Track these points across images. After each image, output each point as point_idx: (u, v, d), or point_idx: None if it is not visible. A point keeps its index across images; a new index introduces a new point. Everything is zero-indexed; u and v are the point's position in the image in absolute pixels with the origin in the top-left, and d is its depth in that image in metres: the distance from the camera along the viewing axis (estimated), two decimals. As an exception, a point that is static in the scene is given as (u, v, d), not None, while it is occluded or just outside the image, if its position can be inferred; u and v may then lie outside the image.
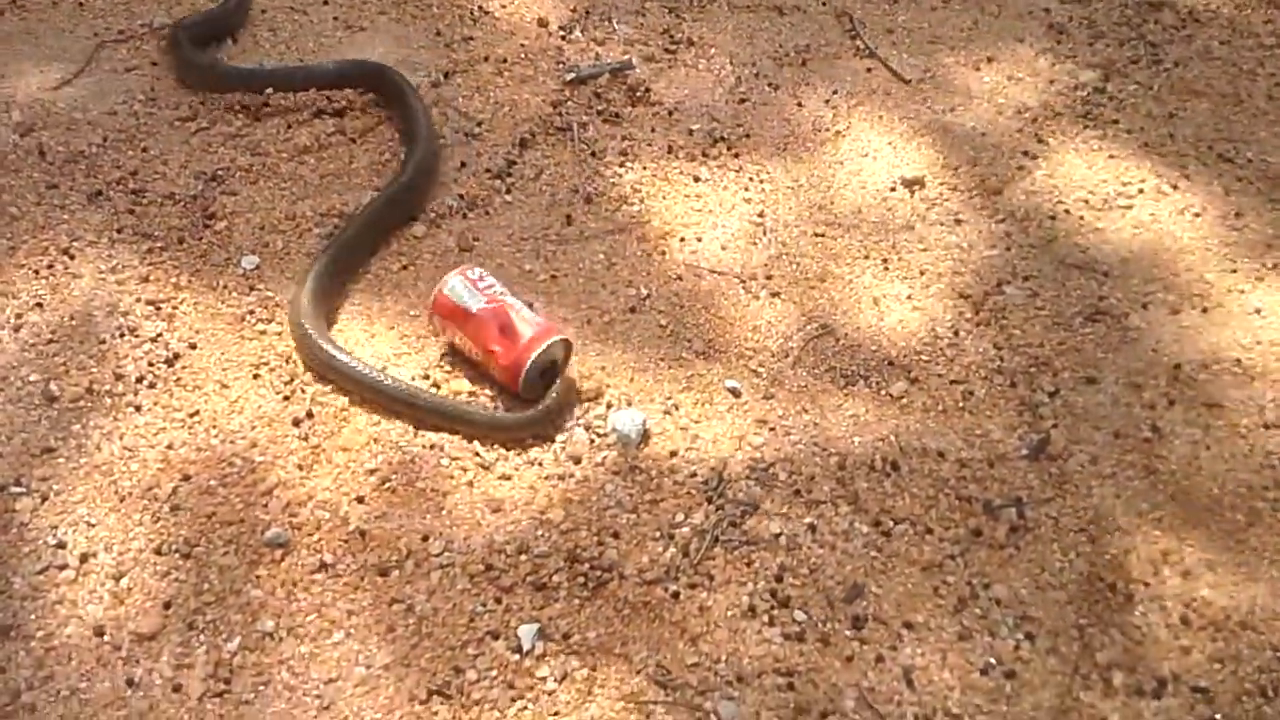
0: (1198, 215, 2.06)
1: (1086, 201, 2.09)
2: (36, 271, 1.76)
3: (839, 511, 1.56)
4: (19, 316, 1.69)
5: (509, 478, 1.56)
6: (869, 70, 2.38)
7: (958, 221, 2.04)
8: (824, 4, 2.57)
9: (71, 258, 1.78)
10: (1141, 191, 2.11)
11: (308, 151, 2.04)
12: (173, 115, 2.08)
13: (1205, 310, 1.88)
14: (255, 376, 1.65)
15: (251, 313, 1.74)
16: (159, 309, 1.72)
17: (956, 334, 1.83)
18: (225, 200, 1.91)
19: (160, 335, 1.68)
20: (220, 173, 1.96)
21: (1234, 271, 1.95)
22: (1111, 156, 2.20)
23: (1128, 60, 2.45)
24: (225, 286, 1.78)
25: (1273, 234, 2.02)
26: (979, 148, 2.19)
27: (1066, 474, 1.63)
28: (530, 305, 1.72)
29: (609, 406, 1.66)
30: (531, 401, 1.62)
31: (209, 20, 2.26)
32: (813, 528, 1.54)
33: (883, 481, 1.61)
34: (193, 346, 1.67)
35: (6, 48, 2.19)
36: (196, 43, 2.17)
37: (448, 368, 1.69)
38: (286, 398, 1.62)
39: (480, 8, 2.44)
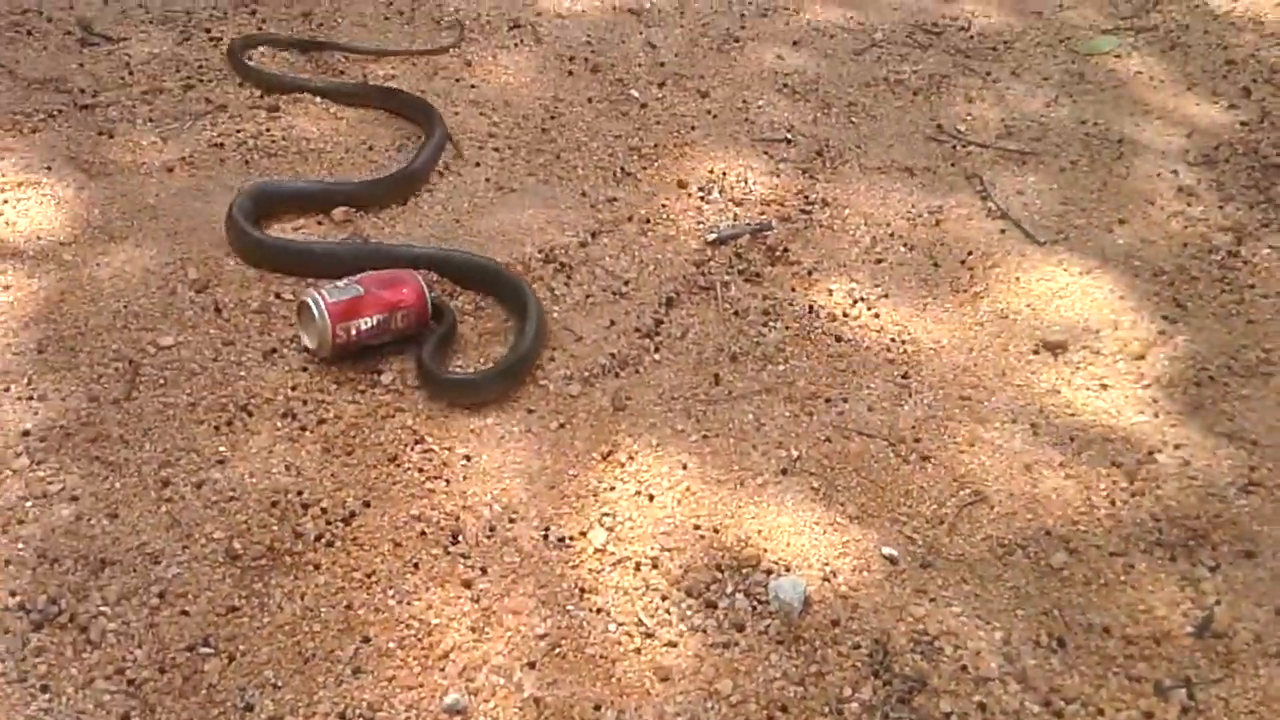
0: (1345, 383, 2.05)
1: (1229, 368, 2.09)
2: (216, 428, 1.84)
3: (1008, 690, 1.55)
4: (200, 472, 1.76)
5: (674, 644, 1.58)
6: (1002, 232, 2.43)
7: (1103, 387, 2.05)
8: (953, 165, 2.63)
9: (250, 415, 1.86)
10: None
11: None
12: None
13: (1360, 483, 1.86)
14: (422, 534, 1.70)
15: (421, 469, 1.80)
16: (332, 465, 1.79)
17: (1113, 503, 1.83)
18: (392, 359, 1.99)
19: (339, 491, 1.74)
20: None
21: (1387, 442, 1.93)
22: (1250, 321, 2.21)
23: (1259, 224, 2.47)
24: (394, 440, 1.84)
25: None
26: (1118, 311, 2.21)
27: (1233, 652, 1.61)
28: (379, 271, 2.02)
29: (768, 573, 1.68)
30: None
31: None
32: (983, 706, 1.53)
33: (1049, 658, 1.59)
34: (366, 504, 1.73)
35: (179, 204, 2.32)
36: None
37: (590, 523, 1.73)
38: (460, 556, 1.66)
39: (623, 169, 2.54)
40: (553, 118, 2.70)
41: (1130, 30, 3.16)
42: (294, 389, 1.92)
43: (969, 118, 2.82)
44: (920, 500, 1.82)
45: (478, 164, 2.53)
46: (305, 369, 1.95)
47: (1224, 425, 1.98)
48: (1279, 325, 2.18)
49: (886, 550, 1.73)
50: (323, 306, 1.92)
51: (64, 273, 2.11)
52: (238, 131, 2.54)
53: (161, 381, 1.91)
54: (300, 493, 1.74)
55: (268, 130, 2.56)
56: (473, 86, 2.80)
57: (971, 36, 3.16)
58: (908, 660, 1.57)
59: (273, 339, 2.01)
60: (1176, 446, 1.93)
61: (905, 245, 2.38)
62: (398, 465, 1.81)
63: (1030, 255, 2.36)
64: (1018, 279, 2.29)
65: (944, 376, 2.06)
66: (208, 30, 2.89)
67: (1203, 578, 1.71)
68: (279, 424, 1.85)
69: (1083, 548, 1.75)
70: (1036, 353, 2.12)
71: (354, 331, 1.94)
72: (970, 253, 2.36)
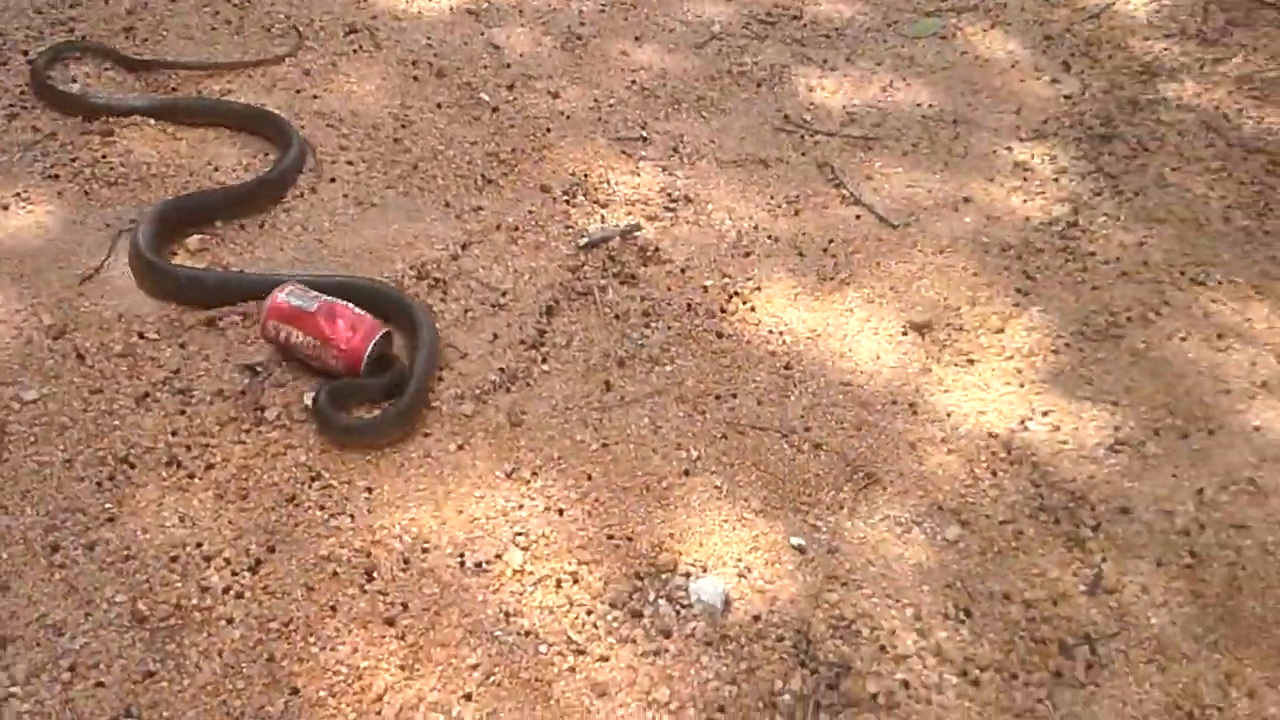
0: (1184, 339, 2.21)
1: (1082, 334, 2.23)
2: (99, 484, 1.75)
3: (926, 664, 1.63)
4: (89, 532, 1.68)
5: (606, 659, 1.59)
6: (858, 217, 2.52)
7: (970, 362, 2.15)
8: (804, 155, 2.71)
9: (132, 466, 1.78)
10: (1129, 320, 2.26)
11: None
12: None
13: (1211, 433, 2.02)
14: (335, 575, 1.66)
15: (322, 507, 1.75)
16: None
17: (994, 474, 1.93)
18: (274, 393, 1.93)
19: (239, 539, 1.68)
20: (261, 365, 1.98)
21: (1228, 392, 2.10)
22: (1095, 288, 2.35)
23: (1091, 193, 2.63)
24: (289, 479, 1.79)
25: (1255, 353, 2.18)
26: (974, 288, 2.33)
27: (1124, 606, 1.73)
28: (352, 307, 1.96)
29: (687, 576, 1.71)
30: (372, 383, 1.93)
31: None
32: (905, 684, 1.60)
33: (959, 629, 1.68)
34: (271, 550, 1.68)
35: (19, 244, 2.19)
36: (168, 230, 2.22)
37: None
38: (378, 594, 1.63)
39: (484, 176, 2.52)
40: (404, 126, 2.65)
41: (952, 11, 3.30)
42: (174, 434, 1.84)
43: (812, 106, 2.90)
44: (818, 488, 1.88)
45: (333, 180, 2.46)
46: (183, 412, 1.88)
47: (1085, 389, 2.11)
48: (1121, 289, 2.33)
49: (795, 540, 1.78)
50: (275, 300, 1.95)
51: (-100, 329, 1.97)
52: (72, 161, 2.40)
53: (32, 439, 1.80)
54: (199, 544, 1.67)
55: (104, 157, 2.43)
56: (315, 97, 2.72)
57: (805, 25, 3.24)
58: (830, 647, 1.63)
59: (143, 383, 1.92)
60: (1045, 414, 2.05)
61: (770, 237, 2.44)
62: (297, 505, 1.76)
63: (886, 239, 2.45)
64: (878, 263, 2.38)
65: (824, 364, 2.13)
66: (24, 52, 2.71)
67: (1087, 538, 1.83)
68: (164, 473, 1.78)
69: (973, 519, 1.85)
70: (905, 334, 2.21)
71: (283, 336, 1.96)
72: (831, 240, 2.43)
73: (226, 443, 1.84)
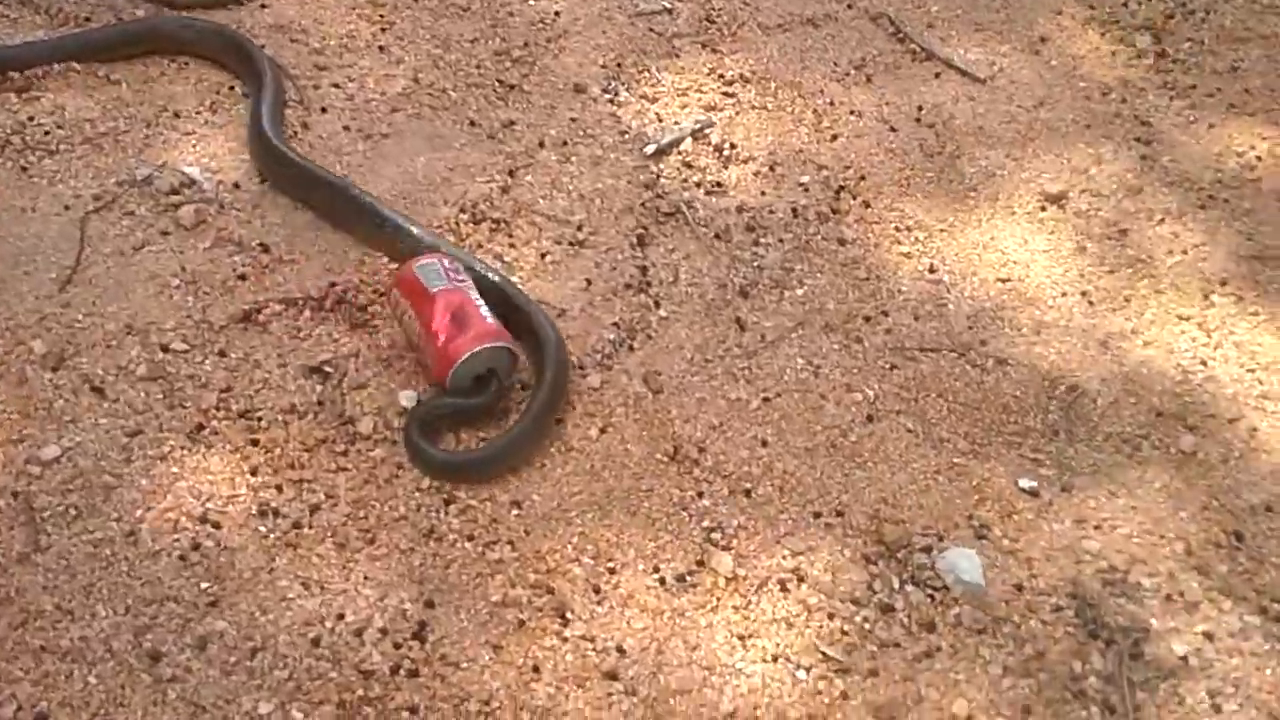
0: (1331, 172, 1.99)
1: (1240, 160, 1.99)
2: (182, 558, 1.37)
3: (1221, 609, 1.40)
4: (190, 626, 1.31)
5: (876, 673, 1.31)
6: (937, 76, 2.20)
7: (1122, 232, 1.89)
8: (850, 8, 2.36)
9: (217, 526, 1.40)
10: (1253, 148, 2.03)
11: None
12: (230, 302, 1.67)
13: None
14: (522, 625, 1.34)
15: (470, 537, 1.41)
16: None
17: (1204, 364, 1.69)
18: (358, 398, 1.55)
19: (384, 598, 1.34)
20: (329, 364, 1.59)
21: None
22: (1211, 125, 2.11)
23: (1163, 16, 2.35)
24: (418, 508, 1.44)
25: None
26: (1092, 142, 2.05)
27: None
28: (483, 305, 1.56)
29: (927, 551, 1.43)
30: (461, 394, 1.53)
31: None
32: (1209, 636, 1.37)
33: (1237, 557, 1.45)
34: (430, 605, 1.34)
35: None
36: None
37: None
38: (582, 640, 1.31)
39: (501, 81, 2.11)
40: (383, 30, 2.20)
41: None
42: (254, 474, 1.46)
43: (834, -53, 2.53)
44: (1021, 413, 1.62)
45: (324, 109, 2.02)
46: (255, 442, 1.49)
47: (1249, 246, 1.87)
48: (1236, 124, 2.09)
49: (1023, 483, 1.52)
50: (407, 268, 1.59)
51: None
52: (-9, 129, 1.91)
53: (73, 512, 1.40)
54: (340, 616, 1.32)
55: (32, 119, 1.93)
56: (264, 7, 2.23)
57: None
58: (1114, 607, 1.39)
59: (191, 411, 1.52)
60: (1222, 283, 1.81)
61: (851, 112, 2.10)
62: (439, 540, 1.41)
63: (979, 96, 2.15)
64: (980, 128, 2.08)
65: (970, 260, 1.84)
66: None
67: (1325, 420, 1.61)
68: (261, 529, 1.40)
69: (1201, 422, 1.61)
70: (1044, 208, 1.93)
71: (401, 312, 1.59)
72: (920, 107, 2.12)
73: (324, 473, 1.47)
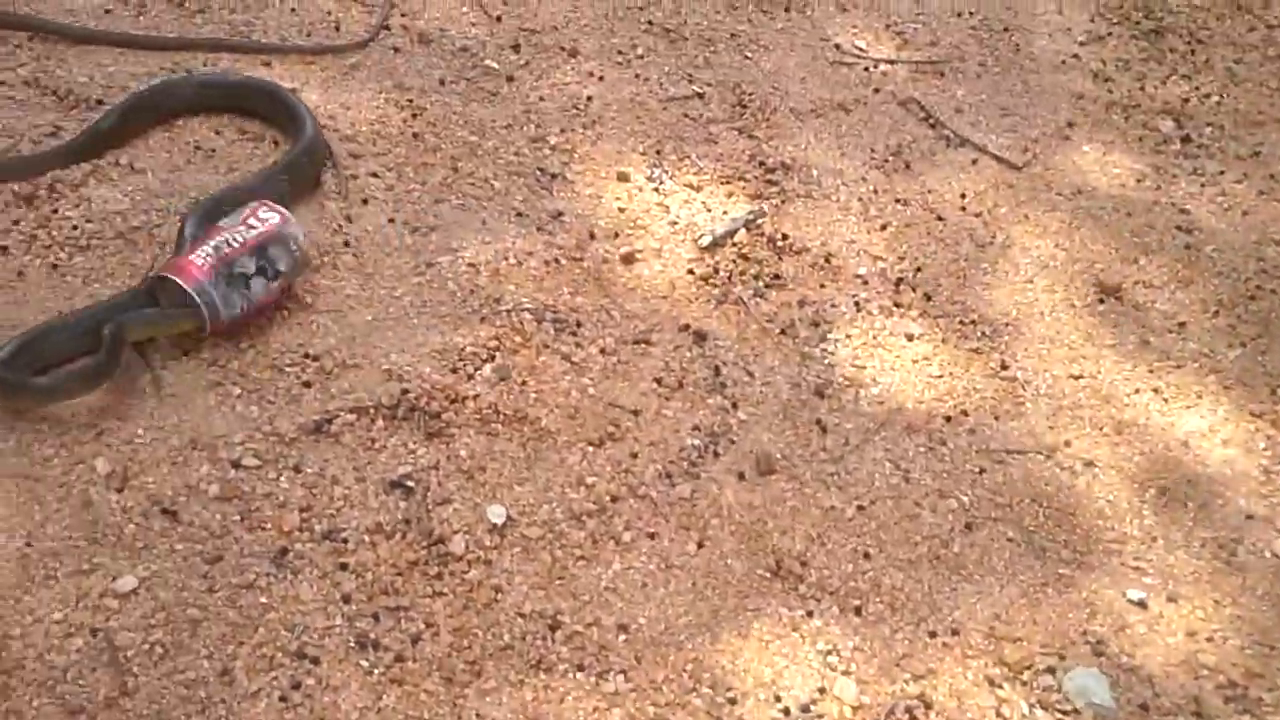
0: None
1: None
2: (282, 698, 1.27)
3: (1342, 721, 1.39)
4: (300, 775, 1.22)
5: (1013, 803, 1.28)
6: (974, 162, 2.20)
7: (1180, 325, 1.90)
8: (878, 92, 2.36)
9: (316, 662, 1.31)
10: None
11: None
12: (298, 412, 1.58)
13: None
14: (636, 758, 1.27)
15: (581, 667, 1.35)
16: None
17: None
18: (444, 514, 1.48)
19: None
20: (411, 478, 1.52)
21: None
22: (1245, 213, 2.14)
23: (1180, 100, 2.40)
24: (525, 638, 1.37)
25: None
26: (1136, 231, 2.07)
27: None
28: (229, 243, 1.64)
29: (1050, 671, 1.40)
30: None
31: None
32: (1335, 750, 1.36)
33: (1344, 663, 1.45)
34: (558, 748, 1.27)
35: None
36: None
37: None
38: None
39: (541, 169, 2.05)
40: (414, 116, 2.13)
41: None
42: (347, 601, 1.37)
43: (854, 29, 2.53)
44: (1118, 518, 1.61)
45: (365, 200, 1.94)
46: (343, 566, 1.40)
47: (1304, 338, 1.90)
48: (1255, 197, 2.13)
49: (1131, 594, 1.50)
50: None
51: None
52: (14, 225, 1.79)
53: (159, 650, 1.30)
54: (462, 760, 1.24)
55: (56, 212, 1.82)
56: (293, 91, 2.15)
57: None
58: (1237, 723, 1.37)
59: (272, 533, 1.43)
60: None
61: (896, 200, 2.09)
62: (549, 671, 1.34)
63: (1018, 184, 2.16)
64: (1026, 215, 2.10)
65: (1039, 355, 1.83)
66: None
67: None
68: (363, 664, 1.32)
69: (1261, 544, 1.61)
70: (1102, 301, 1.94)
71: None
72: (963, 195, 2.12)
73: (420, 599, 1.39)
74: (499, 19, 2.41)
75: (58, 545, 1.37)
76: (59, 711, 1.22)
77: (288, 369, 1.63)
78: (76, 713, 1.22)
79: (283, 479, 1.49)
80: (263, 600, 1.36)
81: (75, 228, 1.81)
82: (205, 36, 2.22)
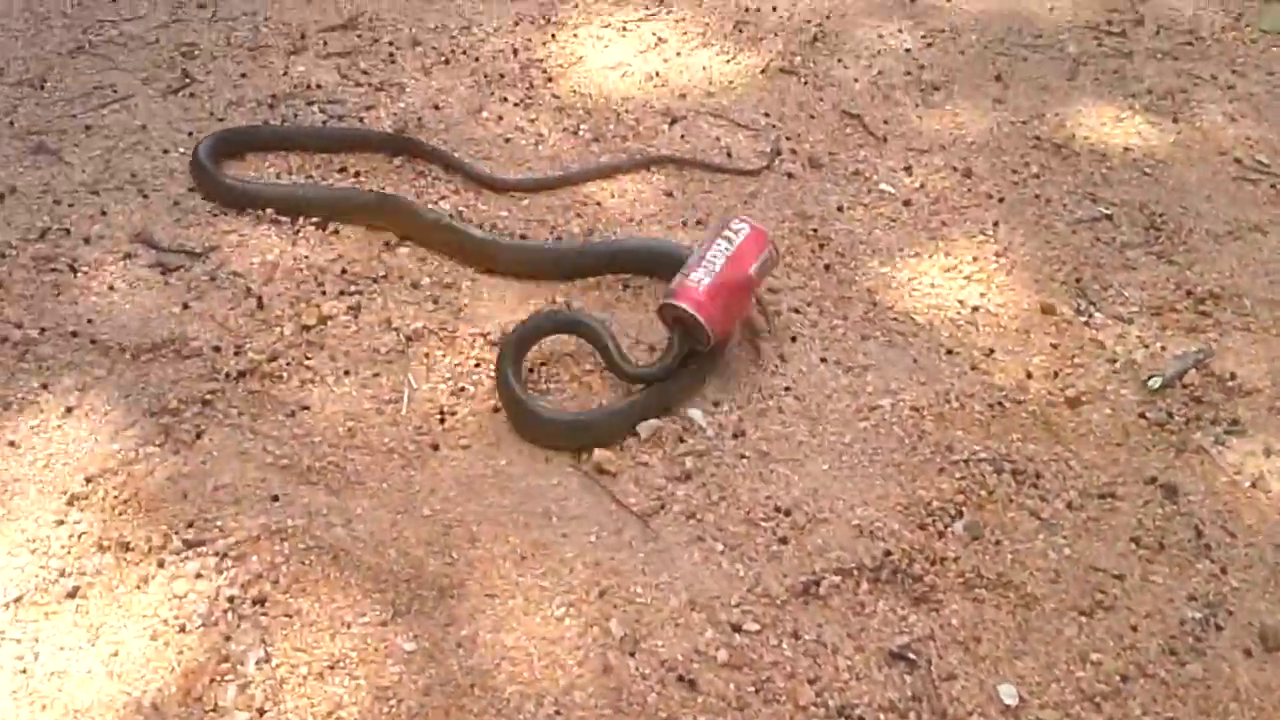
0: None
1: None
2: None
3: None
4: None
5: None
6: None
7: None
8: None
9: None
10: None
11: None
12: (780, 571, 1.58)
13: None
14: None
15: None
16: None
17: None
18: (949, 692, 1.44)
19: None
20: (913, 649, 1.49)
21: None
22: None
23: None
24: None
25: None
26: None
27: None
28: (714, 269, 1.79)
29: None
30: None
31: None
32: None
33: None
34: None
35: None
36: None
37: None
38: None
39: (961, 302, 2.02)
40: (821, 246, 2.13)
41: None
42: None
43: (1249, 142, 2.42)
44: None
45: (794, 338, 1.95)
46: (863, 744, 1.38)
47: None
48: None
49: None
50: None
51: None
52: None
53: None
54: None
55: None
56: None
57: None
58: None
59: (787, 706, 1.42)
60: None
61: (1337, 335, 1.97)
62: None
63: None
64: None
65: None
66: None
67: None
68: None
69: None
70: None
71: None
72: None
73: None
74: (884, 139, 2.41)
75: (588, 715, 1.40)
76: None
77: (762, 523, 1.64)
78: None
79: (784, 645, 1.49)
80: (794, 782, 1.35)
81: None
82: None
